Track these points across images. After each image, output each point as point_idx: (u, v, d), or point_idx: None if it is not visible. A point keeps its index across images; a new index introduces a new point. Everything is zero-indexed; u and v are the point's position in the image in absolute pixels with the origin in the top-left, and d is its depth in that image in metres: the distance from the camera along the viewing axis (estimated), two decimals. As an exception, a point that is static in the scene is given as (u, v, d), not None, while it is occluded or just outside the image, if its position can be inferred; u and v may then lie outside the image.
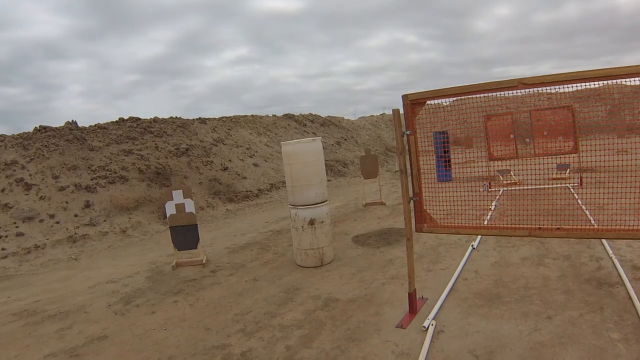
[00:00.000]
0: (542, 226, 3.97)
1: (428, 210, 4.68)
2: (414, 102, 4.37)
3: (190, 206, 7.27)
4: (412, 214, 4.62)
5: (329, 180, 17.08)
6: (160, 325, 5.05)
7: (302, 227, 6.68)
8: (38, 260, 7.84)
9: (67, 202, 9.90)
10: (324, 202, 6.83)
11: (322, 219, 6.75)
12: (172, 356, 4.29)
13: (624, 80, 3.47)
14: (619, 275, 5.02)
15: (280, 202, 13.67)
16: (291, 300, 5.54)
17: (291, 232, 7.04)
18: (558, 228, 3.88)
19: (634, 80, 3.39)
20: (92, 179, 10.85)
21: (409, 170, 4.52)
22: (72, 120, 12.82)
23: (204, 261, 7.37)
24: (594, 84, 3.57)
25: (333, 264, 6.86)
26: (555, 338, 3.86)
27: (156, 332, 4.89)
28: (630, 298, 4.41)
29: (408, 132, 4.40)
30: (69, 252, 8.30)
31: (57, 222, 9.26)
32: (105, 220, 9.88)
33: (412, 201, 4.58)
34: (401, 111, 4.44)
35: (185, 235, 7.28)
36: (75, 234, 9.09)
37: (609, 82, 3.56)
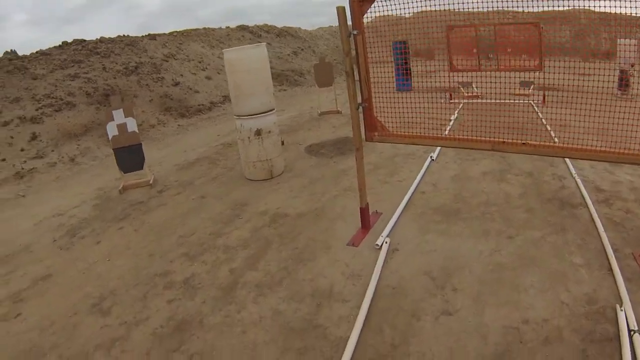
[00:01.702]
0: (506, 140, 3.60)
1: (386, 121, 4.23)
2: (361, -1, 3.78)
3: (132, 125, 6.60)
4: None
5: (284, 90, 16.40)
6: (105, 256, 4.61)
7: (249, 138, 6.15)
8: (-16, 204, 7.11)
9: (12, 137, 8.93)
10: (271, 111, 6.29)
11: (269, 129, 6.23)
12: (114, 289, 3.90)
13: (592, 5, 3.10)
14: (582, 197, 4.76)
15: (233, 114, 12.97)
16: (237, 218, 5.14)
17: (238, 145, 6.52)
18: (524, 143, 3.52)
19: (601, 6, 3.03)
20: (37, 109, 9.81)
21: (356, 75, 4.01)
22: (11, 50, 11.71)
23: (151, 181, 6.80)
24: (562, 7, 3.30)
25: (283, 176, 6.45)
26: (516, 260, 3.62)
27: (100, 264, 4.45)
28: (593, 221, 4.17)
29: (355, 32, 3.83)
30: (16, 190, 7.55)
31: (3, 160, 8.34)
32: (53, 151, 9.02)
33: (360, 108, 4.10)
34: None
35: (129, 156, 6.66)
36: (22, 169, 8.25)
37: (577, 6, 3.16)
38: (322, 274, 3.74)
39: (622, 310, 2.83)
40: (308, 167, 6.75)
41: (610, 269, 3.36)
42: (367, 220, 4.48)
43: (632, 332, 2.62)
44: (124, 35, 14.35)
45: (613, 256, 3.50)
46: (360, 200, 4.42)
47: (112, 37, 13.96)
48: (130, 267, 4.29)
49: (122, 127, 6.52)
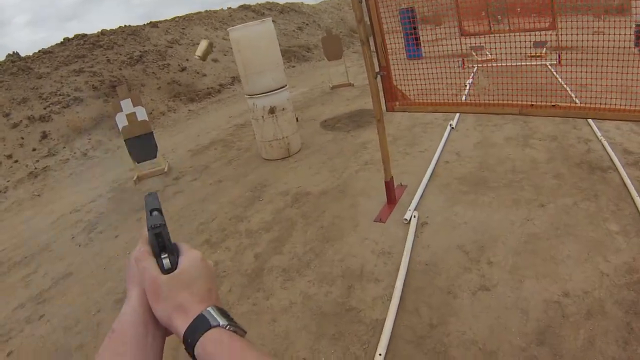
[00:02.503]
0: (535, 103, 3.43)
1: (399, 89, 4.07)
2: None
3: (142, 114, 6.51)
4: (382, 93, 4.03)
5: (293, 67, 16.17)
6: (124, 250, 4.60)
7: (263, 117, 6.03)
8: (2, 206, 7.12)
9: (22, 138, 8.97)
10: (283, 87, 6.14)
11: (283, 106, 6.10)
12: (136, 284, 3.85)
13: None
14: (611, 160, 4.54)
15: (244, 94, 12.83)
16: (258, 200, 5.07)
17: (252, 125, 6.40)
18: (554, 105, 3.34)
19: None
20: (44, 108, 9.82)
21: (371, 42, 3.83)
22: (14, 52, 11.59)
23: (165, 169, 6.75)
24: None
25: (301, 154, 6.35)
26: (549, 229, 3.49)
27: (119, 258, 4.44)
28: (625, 185, 3.98)
29: (365, -4, 3.61)
30: (31, 190, 7.58)
31: (16, 161, 8.41)
32: (64, 147, 9.08)
33: (378, 76, 3.93)
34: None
35: (142, 145, 6.58)
36: (35, 168, 8.31)
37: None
38: (351, 253, 3.66)
39: (668, 278, 2.71)
40: (325, 143, 6.63)
41: (649, 235, 3.22)
42: (392, 194, 4.36)
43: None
44: (125, 26, 14.30)
45: (651, 221, 3.34)
46: (384, 174, 4.29)
47: (114, 28, 13.91)
48: (150, 259, 4.24)
49: (131, 117, 6.45)
